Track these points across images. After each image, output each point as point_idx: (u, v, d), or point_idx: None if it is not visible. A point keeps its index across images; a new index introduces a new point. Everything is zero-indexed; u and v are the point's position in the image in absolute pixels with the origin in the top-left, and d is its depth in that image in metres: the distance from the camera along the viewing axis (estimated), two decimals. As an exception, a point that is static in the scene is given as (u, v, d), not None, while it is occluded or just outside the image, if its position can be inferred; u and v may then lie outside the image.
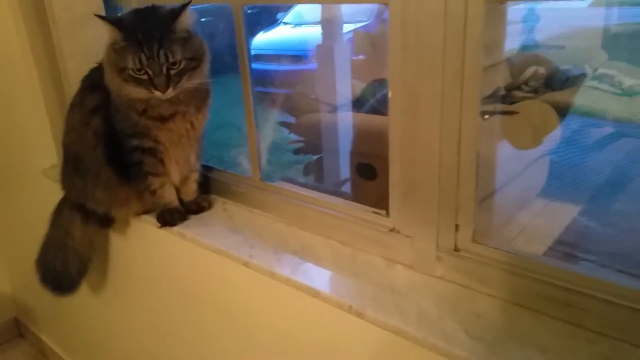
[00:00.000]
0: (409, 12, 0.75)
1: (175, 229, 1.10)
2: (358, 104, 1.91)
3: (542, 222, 1.63)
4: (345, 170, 1.87)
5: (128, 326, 1.52)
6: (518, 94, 2.06)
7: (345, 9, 2.14)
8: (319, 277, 0.90)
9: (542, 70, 2.69)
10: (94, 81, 1.08)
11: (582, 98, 2.60)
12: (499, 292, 0.79)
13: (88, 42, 1.29)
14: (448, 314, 0.77)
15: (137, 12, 0.95)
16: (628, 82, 2.39)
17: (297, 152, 2.07)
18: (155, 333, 1.41)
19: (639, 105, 2.39)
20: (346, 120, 1.94)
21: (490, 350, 0.70)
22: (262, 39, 4.18)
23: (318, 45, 2.18)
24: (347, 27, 2.31)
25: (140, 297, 1.38)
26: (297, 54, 3.65)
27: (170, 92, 0.93)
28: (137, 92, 0.94)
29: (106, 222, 1.19)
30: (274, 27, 4.41)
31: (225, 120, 1.99)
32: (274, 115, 2.41)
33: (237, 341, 1.12)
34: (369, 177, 1.66)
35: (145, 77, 0.91)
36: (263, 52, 3.91)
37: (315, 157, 2.04)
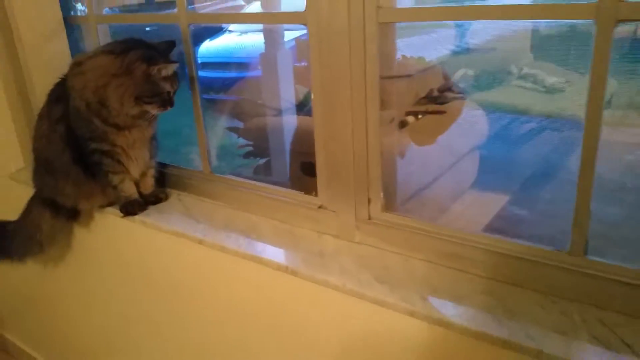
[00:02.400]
0: (323, 31, 0.96)
1: (137, 217, 1.27)
2: (301, 107, 2.07)
3: (473, 211, 1.85)
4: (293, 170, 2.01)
5: (93, 314, 1.66)
6: (450, 95, 2.30)
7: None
8: (261, 248, 1.09)
9: (470, 72, 2.96)
10: (58, 94, 1.24)
11: (509, 96, 2.87)
12: (403, 250, 1.01)
13: (51, 57, 1.44)
14: (363, 268, 0.98)
15: (147, 48, 1.14)
16: (550, 80, 2.67)
17: (246, 155, 2.16)
18: (119, 318, 1.56)
19: (560, 101, 2.67)
20: (291, 123, 2.10)
21: (392, 290, 0.91)
22: (208, 47, 4.31)
23: (261, 54, 2.34)
24: (289, 35, 2.43)
25: (105, 284, 1.53)
26: (242, 61, 3.81)
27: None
28: (149, 109, 1.14)
29: (74, 215, 1.35)
30: (219, 35, 4.54)
31: (175, 126, 2.12)
32: (222, 121, 2.53)
33: (195, 313, 1.30)
34: (313, 175, 1.84)
35: (169, 98, 1.15)
36: (209, 60, 4.05)
37: (264, 160, 2.15)
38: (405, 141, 1.52)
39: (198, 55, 1.17)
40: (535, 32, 2.64)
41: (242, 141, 2.19)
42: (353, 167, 1.02)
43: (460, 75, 2.76)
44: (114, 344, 1.65)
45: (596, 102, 0.74)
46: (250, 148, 2.15)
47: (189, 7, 1.22)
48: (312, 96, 1.03)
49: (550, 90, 2.69)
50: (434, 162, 1.93)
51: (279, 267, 1.04)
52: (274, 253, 1.07)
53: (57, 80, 1.27)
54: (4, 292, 2.14)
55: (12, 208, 1.50)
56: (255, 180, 1.29)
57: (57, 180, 1.26)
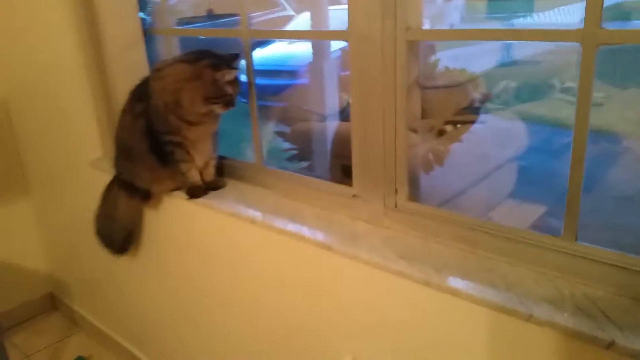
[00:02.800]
0: (361, 47, 1.15)
1: (199, 200, 1.49)
2: (344, 114, 2.25)
3: (509, 220, 1.97)
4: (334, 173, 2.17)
5: (156, 288, 1.90)
6: (491, 106, 2.40)
7: (333, 29, 2.46)
8: (304, 229, 1.28)
9: (512, 84, 3.06)
10: (139, 94, 1.48)
11: (549, 109, 2.96)
12: (423, 234, 1.18)
13: (130, 63, 1.69)
14: (388, 247, 1.16)
15: (217, 58, 1.36)
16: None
17: (290, 159, 2.27)
18: (181, 291, 1.79)
19: (597, 115, 2.75)
20: (333, 128, 2.26)
21: (411, 264, 1.08)
22: (259, 56, 4.56)
23: (309, 63, 2.53)
24: (335, 45, 2.58)
25: (169, 260, 1.76)
26: (290, 69, 4.04)
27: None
28: (212, 108, 1.36)
29: (147, 197, 1.58)
30: (270, 44, 4.79)
31: (231, 127, 2.33)
32: (270, 125, 2.72)
33: (246, 283, 1.51)
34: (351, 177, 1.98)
35: (232, 99, 1.37)
36: (259, 67, 4.29)
37: (306, 163, 2.28)
38: (445, 150, 1.67)
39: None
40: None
41: (287, 145, 2.32)
42: (383, 162, 1.20)
43: (502, 87, 2.87)
44: (176, 315, 1.88)
45: (583, 107, 0.90)
46: (295, 152, 2.29)
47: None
48: (351, 101, 1.22)
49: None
50: (472, 171, 2.06)
51: (317, 244, 1.23)
52: (314, 233, 1.26)
53: (138, 82, 1.51)
54: (73, 268, 2.43)
55: (90, 191, 1.75)
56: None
57: (135, 165, 1.50)
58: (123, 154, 1.53)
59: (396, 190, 1.21)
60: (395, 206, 1.23)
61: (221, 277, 1.57)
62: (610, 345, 0.84)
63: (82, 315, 2.46)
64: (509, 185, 2.25)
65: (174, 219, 1.64)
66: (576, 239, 0.98)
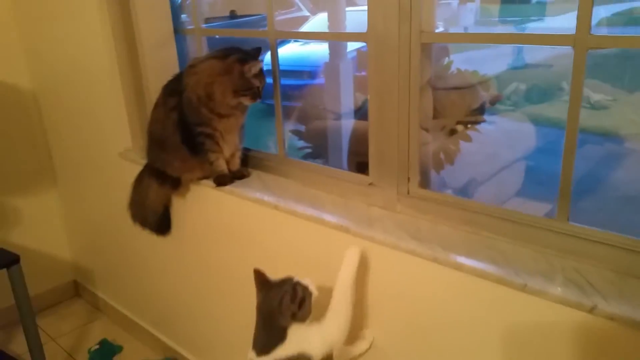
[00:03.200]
0: (379, 48, 1.28)
1: (226, 188, 1.62)
2: (359, 113, 2.33)
3: None
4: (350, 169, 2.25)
5: (180, 273, 2.03)
6: (501, 107, 2.49)
7: (350, 30, 2.55)
8: (324, 213, 1.41)
9: (522, 87, 3.16)
10: (172, 88, 1.61)
11: (556, 111, 3.07)
12: (432, 217, 1.31)
13: (163, 60, 1.83)
14: (401, 230, 1.29)
15: (245, 53, 1.49)
16: (596, 97, 2.87)
17: (305, 157, 2.35)
18: (205, 275, 1.91)
19: (604, 117, 2.85)
20: (349, 126, 2.32)
21: (421, 244, 1.21)
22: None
23: (325, 63, 2.63)
24: (351, 45, 2.68)
25: (194, 246, 1.90)
26: (306, 69, 4.17)
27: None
28: (240, 101, 1.49)
29: (176, 184, 1.72)
30: (285, 44, 4.93)
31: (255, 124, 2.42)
32: (287, 124, 2.81)
33: (269, 265, 1.63)
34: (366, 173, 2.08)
35: (258, 92, 1.49)
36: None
37: (321, 161, 2.37)
38: (456, 149, 1.78)
39: (265, 63, 1.52)
40: (593, 50, 2.84)
41: (302, 144, 2.41)
42: (397, 153, 1.33)
43: (512, 89, 2.98)
44: (199, 298, 2.01)
45: (575, 103, 1.03)
46: (309, 150, 2.38)
47: (259, 16, 1.55)
48: (369, 97, 1.35)
49: (595, 107, 2.87)
50: (481, 170, 2.17)
51: (335, 227, 1.36)
52: (333, 217, 1.39)
53: (171, 78, 1.65)
54: (100, 259, 2.57)
55: (117, 182, 1.89)
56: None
57: (168, 155, 1.63)
58: (156, 144, 1.67)
59: (408, 179, 1.34)
60: (408, 193, 1.35)
61: (245, 259, 1.70)
62: (592, 310, 0.96)
63: (105, 301, 2.60)
64: (517, 184, 2.36)
65: (201, 205, 1.78)
66: (568, 220, 1.10)
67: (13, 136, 2.46)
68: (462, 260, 1.13)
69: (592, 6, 0.96)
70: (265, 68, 1.55)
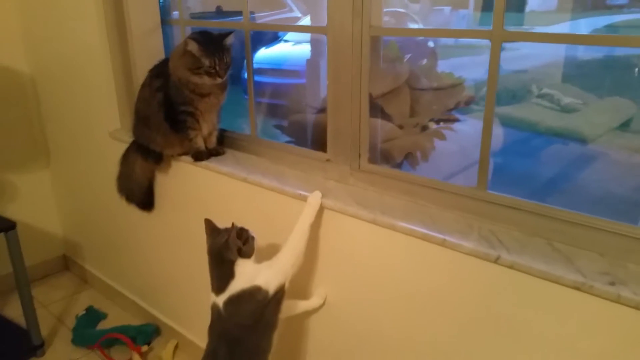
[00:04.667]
0: (336, 39, 1.47)
1: (203, 163, 1.80)
2: None
3: None
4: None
5: (162, 244, 2.21)
6: (476, 107, 2.67)
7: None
8: (286, 185, 1.60)
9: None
10: (158, 71, 1.80)
11: (524, 112, 3.25)
12: (379, 189, 1.50)
13: (150, 47, 2.02)
14: (350, 198, 1.47)
15: (202, 34, 1.67)
16: (566, 100, 3.06)
17: None
18: (183, 246, 2.10)
19: (573, 119, 3.04)
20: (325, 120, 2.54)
21: (366, 209, 1.40)
22: (264, 54, 4.87)
23: (307, 59, 2.81)
24: None
25: (174, 217, 2.08)
26: (293, 69, 4.34)
27: (223, 79, 1.66)
28: (202, 80, 1.65)
29: (159, 159, 1.90)
30: (275, 44, 5.10)
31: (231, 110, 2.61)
32: (270, 120, 2.98)
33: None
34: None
35: (213, 71, 1.64)
36: (262, 66, 4.61)
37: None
38: (430, 145, 1.97)
39: (256, 61, 1.68)
40: (570, 58, 3.02)
41: (286, 138, 2.49)
42: (350, 132, 1.52)
43: (484, 91, 3.16)
44: (179, 269, 2.19)
45: (491, 91, 1.22)
46: (292, 143, 2.59)
47: (251, 16, 1.75)
48: (327, 83, 1.54)
49: (565, 109, 3.06)
50: (452, 165, 2.34)
51: (295, 196, 1.55)
52: (293, 188, 1.58)
53: (157, 62, 1.83)
54: (85, 232, 2.74)
55: (107, 160, 2.07)
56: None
57: (152, 132, 1.82)
58: (141, 122, 1.85)
59: (359, 155, 1.53)
60: (359, 168, 1.54)
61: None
62: (497, 259, 1.16)
63: (93, 274, 2.77)
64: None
65: (180, 180, 1.96)
66: (486, 189, 1.30)
67: (10, 117, 2.64)
68: (395, 222, 1.32)
69: (505, 5, 1.15)
70: (257, 66, 1.70)
